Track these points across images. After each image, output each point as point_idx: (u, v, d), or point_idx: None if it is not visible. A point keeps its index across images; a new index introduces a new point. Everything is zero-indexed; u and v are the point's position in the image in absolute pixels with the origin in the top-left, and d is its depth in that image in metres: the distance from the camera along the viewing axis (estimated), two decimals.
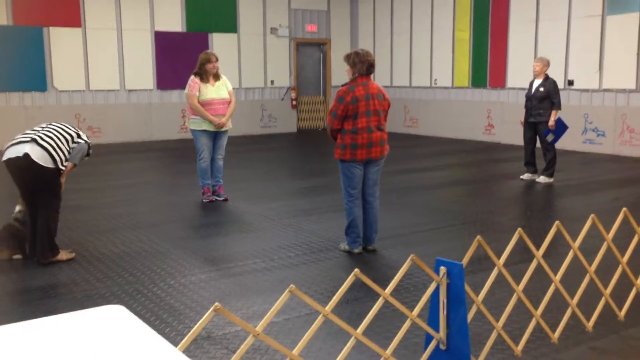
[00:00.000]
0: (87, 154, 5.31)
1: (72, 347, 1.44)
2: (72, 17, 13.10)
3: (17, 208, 5.30)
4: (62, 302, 4.27)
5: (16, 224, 5.25)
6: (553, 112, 8.56)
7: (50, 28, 12.91)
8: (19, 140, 5.02)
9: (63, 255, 5.18)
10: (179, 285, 4.61)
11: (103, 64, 13.51)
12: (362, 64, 5.16)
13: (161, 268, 5.01)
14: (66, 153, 5.09)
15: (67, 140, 5.12)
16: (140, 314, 4.00)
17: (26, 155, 4.88)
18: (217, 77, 7.31)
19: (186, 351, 2.55)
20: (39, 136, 5.00)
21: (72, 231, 6.09)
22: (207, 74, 7.23)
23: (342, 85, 5.24)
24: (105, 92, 13.68)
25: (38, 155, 4.90)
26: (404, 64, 15.57)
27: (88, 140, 5.30)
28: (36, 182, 5.00)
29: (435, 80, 14.80)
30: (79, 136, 5.26)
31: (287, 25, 15.83)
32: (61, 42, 12.97)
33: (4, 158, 4.98)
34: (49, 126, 5.18)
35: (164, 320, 3.95)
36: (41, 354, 1.40)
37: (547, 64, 8.75)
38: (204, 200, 7.46)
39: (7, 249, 5.20)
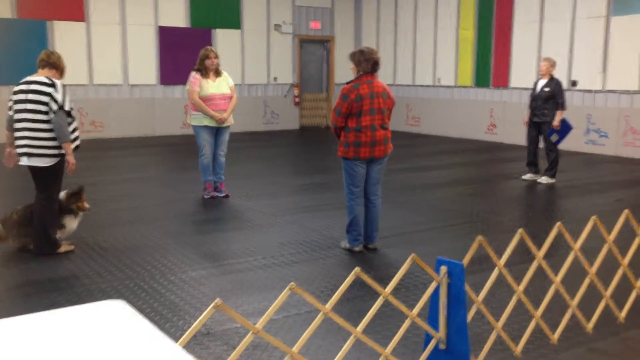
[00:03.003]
0: (69, 115, 5.04)
1: (72, 342, 1.44)
2: (76, 11, 13.10)
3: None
4: (62, 297, 4.28)
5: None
6: (558, 113, 8.55)
7: (54, 22, 12.90)
8: (20, 145, 5.07)
9: (62, 248, 5.23)
10: (179, 280, 4.61)
11: (106, 58, 13.50)
12: (367, 62, 5.15)
13: (162, 263, 5.01)
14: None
15: (49, 120, 5.00)
16: (140, 308, 4.00)
17: (32, 167, 5.11)
18: (218, 72, 7.32)
19: (186, 347, 2.55)
20: (29, 145, 5.02)
21: None
22: (207, 70, 7.24)
23: (347, 83, 5.24)
24: (108, 87, 13.68)
25: (42, 162, 5.05)
26: (407, 62, 15.55)
27: (59, 103, 4.95)
28: (41, 177, 5.16)
29: (439, 79, 14.78)
30: (49, 103, 4.95)
31: (290, 22, 15.81)
32: (65, 36, 12.96)
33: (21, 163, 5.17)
34: (27, 114, 5.00)
35: (164, 315, 3.96)
36: (41, 349, 1.40)
37: (553, 64, 8.74)
38: (205, 196, 7.46)
39: (28, 237, 5.24)
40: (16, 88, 5.10)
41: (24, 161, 5.09)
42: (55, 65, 5.17)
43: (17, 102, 5.06)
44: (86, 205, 5.44)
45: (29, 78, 5.09)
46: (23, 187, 7.52)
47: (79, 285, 4.50)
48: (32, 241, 5.23)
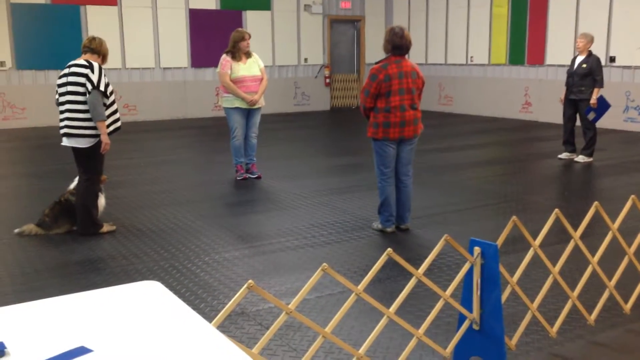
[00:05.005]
0: (105, 96, 5.23)
1: (110, 322, 1.47)
2: None
3: (74, 184, 5.54)
4: (100, 277, 4.38)
5: (72, 197, 5.46)
6: (595, 90, 8.34)
7: (87, 6, 13.04)
8: (61, 125, 5.28)
9: (105, 227, 5.41)
10: (213, 261, 4.67)
11: (138, 42, 13.62)
12: (387, 44, 5.13)
13: (196, 245, 5.08)
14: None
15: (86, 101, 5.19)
16: (175, 289, 4.08)
17: (73, 148, 5.31)
18: (248, 54, 7.34)
19: (220, 327, 2.59)
20: (69, 126, 5.21)
21: (109, 207, 6.19)
22: (239, 52, 7.26)
23: (376, 63, 5.19)
24: (141, 70, 13.82)
25: (79, 143, 5.24)
26: (439, 40, 15.30)
27: (94, 83, 5.13)
28: (80, 158, 5.35)
29: (472, 57, 14.53)
30: (85, 84, 5.14)
31: (320, 2, 15.68)
32: (97, 21, 13.10)
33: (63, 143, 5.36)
34: (68, 96, 5.21)
35: (199, 295, 4.02)
36: (79, 328, 1.43)
37: (591, 40, 8.51)
38: (237, 178, 7.51)
39: (67, 223, 5.42)
40: (60, 73, 5.37)
41: (64, 142, 5.30)
42: (96, 50, 5.37)
43: (60, 85, 5.31)
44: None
45: (71, 62, 5.34)
46: (57, 170, 7.69)
47: (116, 266, 4.60)
48: (73, 224, 5.41)
